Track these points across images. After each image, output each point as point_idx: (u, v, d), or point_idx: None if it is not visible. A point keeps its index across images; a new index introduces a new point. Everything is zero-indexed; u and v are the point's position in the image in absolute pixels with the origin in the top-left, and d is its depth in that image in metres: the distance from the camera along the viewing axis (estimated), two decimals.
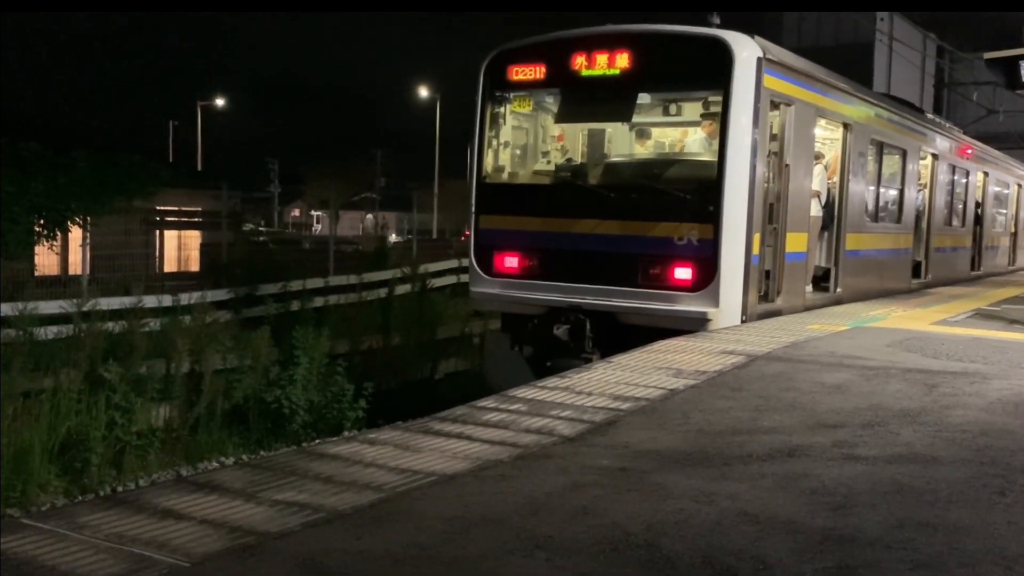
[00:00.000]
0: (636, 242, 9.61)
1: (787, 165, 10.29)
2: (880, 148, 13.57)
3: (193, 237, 23.05)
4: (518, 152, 11.11)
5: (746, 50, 9.39)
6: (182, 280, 19.04)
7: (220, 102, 63.01)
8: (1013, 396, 6.47)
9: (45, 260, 18.12)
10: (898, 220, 14.66)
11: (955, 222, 18.34)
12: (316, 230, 64.89)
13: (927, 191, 16.29)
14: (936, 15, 38.32)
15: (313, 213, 72.53)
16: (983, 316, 11.62)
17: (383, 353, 15.33)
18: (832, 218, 12.28)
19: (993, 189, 21.44)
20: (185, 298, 14.60)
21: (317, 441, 9.02)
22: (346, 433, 9.97)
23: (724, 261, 9.24)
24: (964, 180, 18.71)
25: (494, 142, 10.79)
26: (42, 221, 16.64)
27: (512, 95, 10.62)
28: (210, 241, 22.32)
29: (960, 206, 18.62)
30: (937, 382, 6.87)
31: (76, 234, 17.64)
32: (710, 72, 9.52)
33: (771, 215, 10.12)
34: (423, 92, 56.43)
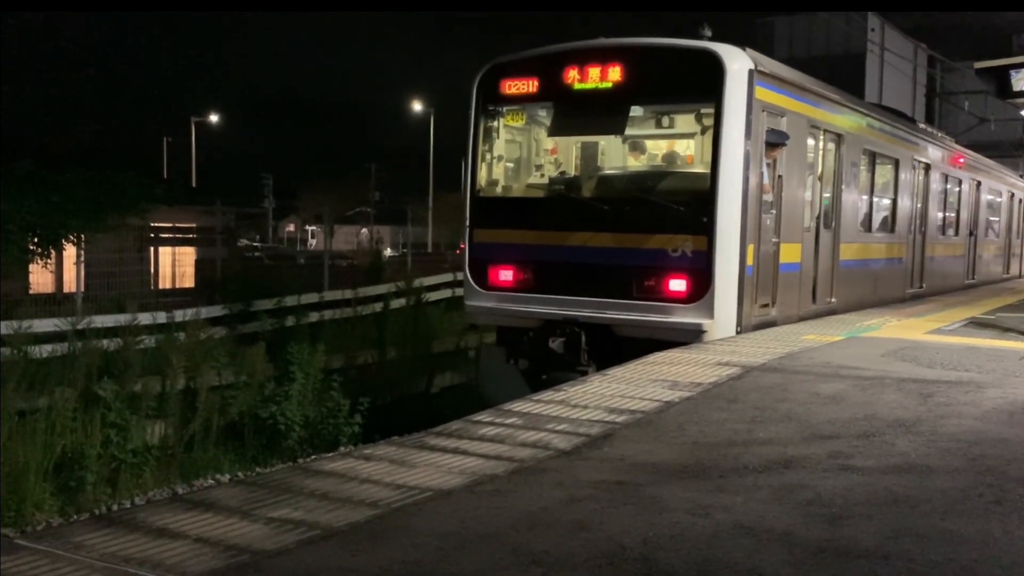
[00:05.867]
0: (630, 254, 9.62)
1: (780, 176, 10.33)
2: (873, 158, 13.63)
3: (188, 253, 23.00)
4: (512, 166, 11.14)
5: (737, 62, 9.44)
6: (177, 296, 18.98)
7: (214, 118, 63.19)
8: (1007, 405, 6.49)
9: (39, 278, 18.07)
10: (892, 230, 14.71)
11: (949, 231, 18.41)
12: (311, 245, 64.80)
13: (920, 201, 16.36)
14: (927, 24, 38.53)
15: (308, 228, 72.51)
16: (977, 325, 11.65)
17: (378, 368, 15.31)
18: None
19: (986, 198, 21.52)
20: (180, 315, 14.56)
21: (313, 457, 8.97)
22: (342, 449, 9.94)
23: (718, 272, 9.27)
24: (957, 189, 18.79)
25: (488, 156, 10.82)
26: (36, 239, 16.59)
27: (505, 109, 10.66)
28: (205, 257, 22.30)
29: (953, 215, 18.69)
30: (932, 391, 6.88)
31: (70, 252, 17.59)
32: (702, 85, 9.57)
33: (765, 226, 10.15)
34: (417, 106, 56.64)
